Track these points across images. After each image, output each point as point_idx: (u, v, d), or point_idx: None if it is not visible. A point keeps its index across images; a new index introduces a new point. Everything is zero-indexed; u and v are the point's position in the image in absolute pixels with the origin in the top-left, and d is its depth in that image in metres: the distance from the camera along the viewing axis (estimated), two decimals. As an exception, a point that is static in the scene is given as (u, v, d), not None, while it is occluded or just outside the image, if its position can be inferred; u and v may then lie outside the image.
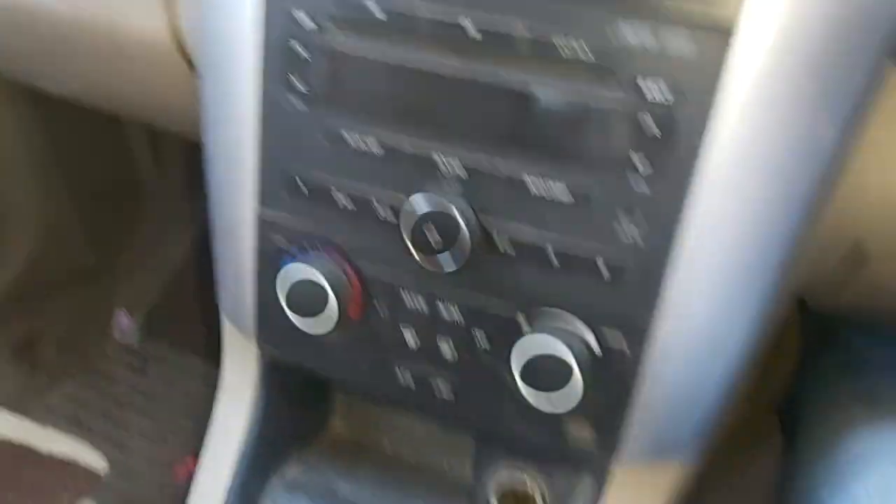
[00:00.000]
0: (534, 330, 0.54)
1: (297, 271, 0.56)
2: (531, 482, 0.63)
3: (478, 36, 0.48)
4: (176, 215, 1.62)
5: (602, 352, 0.52)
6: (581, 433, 0.56)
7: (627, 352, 0.52)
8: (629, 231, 0.49)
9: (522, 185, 0.50)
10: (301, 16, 0.52)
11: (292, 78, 0.53)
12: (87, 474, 0.79)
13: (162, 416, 1.45)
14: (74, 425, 1.41)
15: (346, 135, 0.53)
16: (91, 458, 0.81)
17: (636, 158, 0.47)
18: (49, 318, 1.48)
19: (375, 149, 0.53)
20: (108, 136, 1.46)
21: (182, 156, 1.58)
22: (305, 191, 0.56)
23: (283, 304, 0.57)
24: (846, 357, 0.93)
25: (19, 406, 1.42)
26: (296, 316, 0.57)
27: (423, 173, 0.52)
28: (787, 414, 1.07)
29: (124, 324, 1.56)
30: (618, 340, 0.52)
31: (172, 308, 1.58)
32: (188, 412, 1.44)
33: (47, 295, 1.46)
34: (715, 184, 0.47)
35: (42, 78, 0.82)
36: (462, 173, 0.51)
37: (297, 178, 0.56)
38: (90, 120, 1.35)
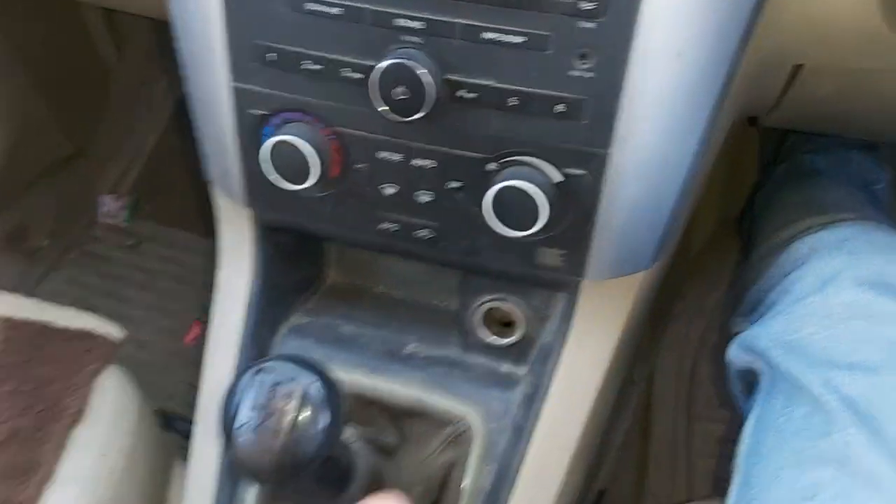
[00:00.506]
0: (500, 168, 0.59)
1: (277, 138, 0.60)
2: (511, 305, 0.70)
3: None
4: (144, 94, 1.62)
5: (564, 181, 0.58)
6: (551, 257, 0.63)
7: (587, 179, 0.57)
8: (579, 68, 0.53)
9: (478, 34, 0.54)
10: None
11: None
12: (107, 343, 0.86)
13: (161, 289, 1.52)
14: (78, 307, 1.48)
15: (306, 1, 0.56)
16: (107, 328, 0.88)
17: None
18: (36, 208, 1.51)
19: (336, 12, 0.56)
20: (65, 23, 1.44)
21: (142, 35, 1.56)
22: (274, 60, 0.59)
23: (268, 170, 0.61)
24: (794, 167, 0.99)
25: (22, 294, 1.48)
26: (281, 179, 0.62)
27: (384, 31, 0.55)
28: (744, 222, 1.15)
29: (110, 206, 1.59)
30: (578, 170, 0.57)
31: (155, 186, 1.62)
32: (185, 283, 1.51)
33: (31, 187, 1.48)
34: (657, 15, 0.50)
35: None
36: (421, 27, 0.55)
37: (265, 48, 0.59)
38: (46, 9, 1.33)
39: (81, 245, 1.57)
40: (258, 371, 0.50)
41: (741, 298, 0.78)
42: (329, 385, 0.51)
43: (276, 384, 0.49)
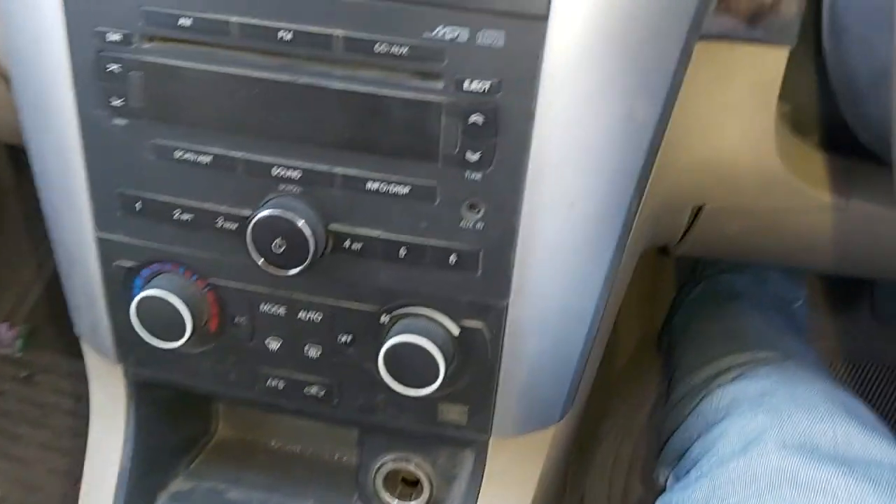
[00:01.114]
0: (393, 322, 0.54)
1: (147, 293, 0.54)
2: (415, 465, 0.64)
3: (288, 36, 0.47)
4: (41, 219, 1.54)
5: (461, 335, 0.53)
6: (453, 413, 0.57)
7: (486, 334, 0.53)
8: (470, 219, 0.50)
9: (361, 185, 0.50)
10: (106, 30, 0.49)
11: (106, 94, 0.51)
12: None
13: (56, 425, 1.40)
14: (-36, 448, 1.36)
15: (172, 149, 0.51)
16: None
17: (466, 149, 0.47)
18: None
19: (206, 160, 0.51)
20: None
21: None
22: (142, 210, 0.54)
23: (138, 327, 0.55)
24: (711, 288, 0.98)
25: None
26: (153, 336, 0.56)
27: (260, 181, 0.51)
28: (663, 342, 1.12)
29: (4, 335, 1.49)
30: (475, 324, 0.53)
31: (53, 313, 1.52)
32: (83, 418, 1.40)
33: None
34: (546, 166, 0.47)
35: None
36: (299, 177, 0.51)
37: (129, 197, 0.54)
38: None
39: (-31, 378, 1.45)
40: None
41: (663, 443, 0.74)
42: None
43: None
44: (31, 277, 1.54)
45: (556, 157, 0.47)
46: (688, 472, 0.62)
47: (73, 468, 1.34)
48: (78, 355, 1.53)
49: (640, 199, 0.51)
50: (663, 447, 0.73)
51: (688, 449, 0.65)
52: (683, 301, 1.04)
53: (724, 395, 0.66)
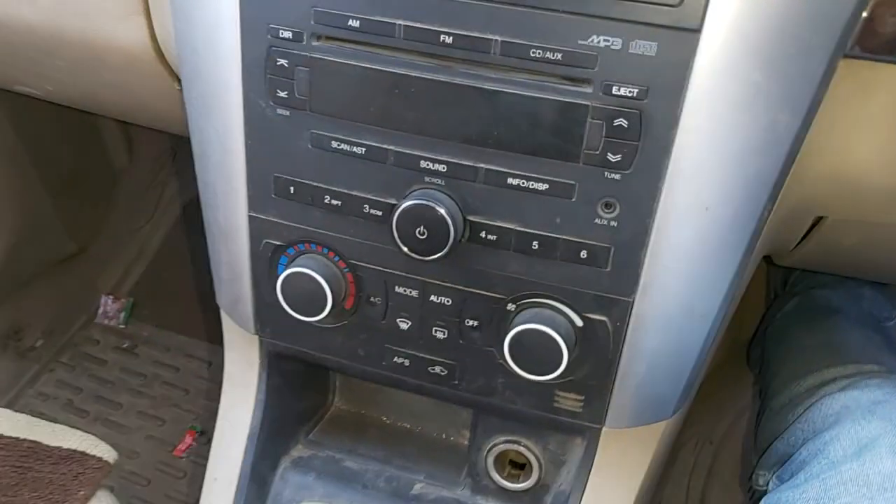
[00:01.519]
0: (519, 310, 0.57)
1: (293, 269, 0.59)
2: (526, 449, 0.68)
3: (449, 40, 0.50)
4: (152, 196, 1.63)
5: (585, 327, 0.56)
6: (569, 402, 0.60)
7: (609, 327, 0.56)
8: (604, 217, 0.53)
9: (502, 180, 0.53)
10: (278, 27, 0.54)
11: (273, 86, 0.55)
12: (99, 466, 0.82)
13: (156, 395, 1.48)
14: (69, 411, 1.44)
15: (329, 139, 0.56)
16: (100, 449, 0.84)
17: (608, 150, 0.50)
18: (34, 307, 1.49)
19: (360, 151, 0.55)
20: (79, 125, 1.46)
21: (153, 140, 1.58)
22: (294, 194, 0.58)
23: (282, 301, 0.60)
24: (807, 302, 0.98)
25: (13, 396, 1.45)
26: (294, 310, 0.60)
27: (407, 173, 0.55)
28: (754, 353, 1.13)
29: (109, 307, 1.58)
30: (600, 317, 0.56)
31: (155, 288, 1.60)
32: (179, 389, 1.48)
33: (30, 285, 1.47)
34: (685, 171, 0.50)
35: (21, 84, 0.82)
36: (445, 171, 0.54)
37: (284, 183, 0.58)
38: (61, 110, 1.35)
39: (76, 346, 1.54)
40: None
41: (763, 448, 0.75)
42: None
43: None
44: (135, 255, 1.63)
45: (696, 162, 0.50)
46: (794, 474, 0.64)
47: (170, 436, 1.42)
48: (177, 330, 1.61)
49: (773, 206, 0.53)
50: (763, 452, 0.75)
51: (794, 453, 0.67)
52: (776, 315, 1.05)
53: (834, 403, 0.67)
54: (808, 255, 0.68)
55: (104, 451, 0.84)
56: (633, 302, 0.55)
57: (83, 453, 0.83)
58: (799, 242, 0.66)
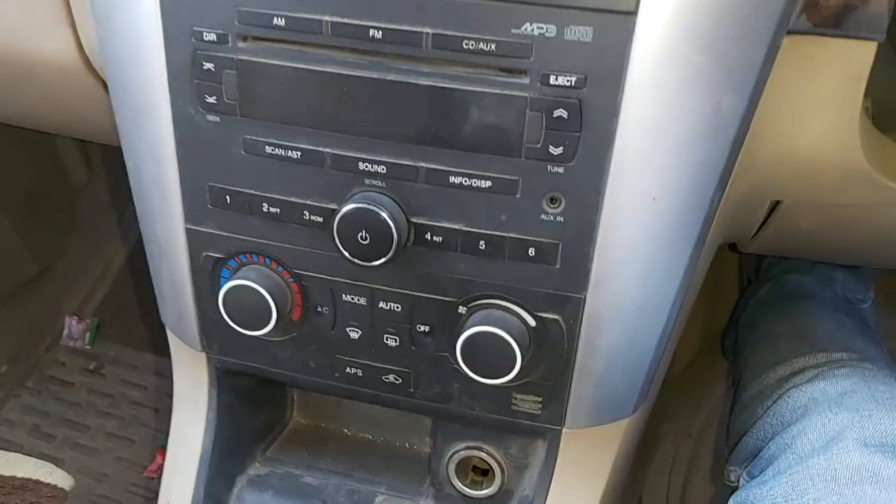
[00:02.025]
0: (470, 312, 0.55)
1: (235, 282, 0.57)
2: (488, 454, 0.66)
3: (379, 35, 0.48)
4: (112, 213, 1.59)
5: (538, 327, 0.54)
6: (527, 404, 0.59)
7: (562, 325, 0.54)
8: (550, 212, 0.51)
9: (444, 178, 0.51)
10: (202, 29, 0.51)
11: (200, 91, 0.53)
12: (54, 493, 0.79)
13: (124, 415, 1.45)
14: (36, 436, 1.41)
15: (263, 144, 0.53)
16: (55, 476, 0.81)
17: (550, 143, 0.48)
18: (-3, 332, 1.46)
19: (295, 155, 0.53)
20: (33, 142, 1.42)
21: (112, 155, 1.55)
22: (230, 203, 0.56)
23: (225, 316, 0.58)
24: (778, 288, 0.97)
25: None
26: (239, 325, 0.58)
27: (346, 176, 0.53)
28: (727, 342, 1.12)
29: (73, 328, 1.54)
30: (552, 316, 0.54)
31: (119, 308, 1.57)
32: (148, 408, 1.45)
33: (-8, 309, 1.44)
34: (630, 161, 0.48)
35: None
36: (385, 172, 0.52)
37: (220, 192, 0.56)
38: (10, 128, 1.32)
39: (41, 370, 1.50)
40: None
41: (735, 443, 0.74)
42: None
43: None
44: (99, 274, 1.59)
45: (640, 151, 0.48)
46: (763, 469, 0.62)
47: (140, 457, 1.39)
48: (144, 348, 1.57)
49: (722, 193, 0.51)
50: (734, 447, 0.73)
51: (762, 448, 0.65)
52: (749, 301, 1.03)
53: (801, 395, 0.66)
54: (769, 241, 0.67)
55: (59, 479, 0.82)
56: (584, 299, 0.53)
57: (37, 482, 0.80)
58: (759, 229, 0.64)
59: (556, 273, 0.53)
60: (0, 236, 1.41)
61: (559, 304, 0.54)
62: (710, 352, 1.25)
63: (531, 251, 0.52)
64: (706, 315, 1.28)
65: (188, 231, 0.58)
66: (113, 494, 1.33)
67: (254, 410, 0.72)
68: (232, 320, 0.58)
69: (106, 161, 1.56)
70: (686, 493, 1.24)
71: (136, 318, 1.53)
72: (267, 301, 0.57)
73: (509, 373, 0.54)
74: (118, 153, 1.63)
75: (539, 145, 0.49)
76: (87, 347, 1.53)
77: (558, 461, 0.62)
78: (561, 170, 0.49)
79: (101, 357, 1.52)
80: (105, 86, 0.65)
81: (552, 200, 0.50)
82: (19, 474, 0.81)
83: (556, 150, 0.49)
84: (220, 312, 0.58)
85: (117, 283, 1.59)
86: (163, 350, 1.52)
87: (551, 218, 0.51)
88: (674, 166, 0.49)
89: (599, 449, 0.62)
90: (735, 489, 0.67)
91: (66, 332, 1.54)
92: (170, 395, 1.46)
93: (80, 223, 1.56)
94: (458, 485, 0.67)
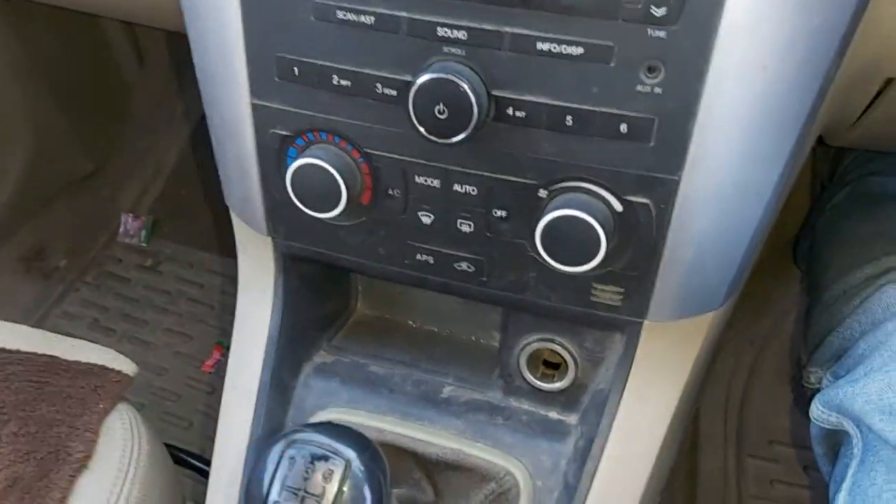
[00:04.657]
0: (552, 196, 0.52)
1: (303, 161, 0.54)
2: (561, 347, 0.63)
3: None
4: (165, 110, 1.58)
5: (625, 211, 0.51)
6: (608, 295, 0.56)
7: (652, 210, 0.51)
8: (647, 83, 0.46)
9: (531, 45, 0.47)
10: None
11: None
12: (119, 380, 0.80)
13: (180, 312, 1.46)
14: (96, 330, 1.44)
15: (334, 9, 0.49)
16: (119, 362, 0.82)
17: (652, 3, 0.44)
18: (54, 227, 1.47)
19: (369, 21, 0.49)
20: (86, 36, 1.40)
21: (163, 50, 1.52)
22: (299, 76, 0.53)
23: (292, 197, 0.55)
24: (859, 191, 0.91)
25: (39, 316, 1.44)
26: (306, 207, 0.56)
27: (423, 43, 0.49)
28: (801, 248, 1.07)
29: (130, 225, 1.55)
30: (642, 199, 0.50)
31: (174, 205, 1.57)
32: (205, 305, 1.46)
33: (50, 205, 1.44)
34: (741, 24, 0.43)
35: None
36: (465, 38, 0.48)
37: (288, 63, 0.53)
38: (66, 21, 1.29)
39: (99, 266, 1.52)
40: (292, 442, 0.43)
41: (815, 344, 0.70)
42: (374, 458, 0.44)
43: (314, 459, 0.42)
44: (153, 171, 1.59)
45: (752, 13, 0.43)
46: (851, 369, 0.59)
47: (198, 352, 1.41)
48: (199, 246, 1.58)
49: (839, 65, 0.46)
50: (815, 349, 0.70)
51: (850, 347, 0.62)
52: (825, 206, 0.98)
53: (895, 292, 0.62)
54: (870, 129, 0.61)
55: (123, 365, 0.82)
56: (679, 180, 0.49)
57: (102, 367, 0.80)
58: (862, 113, 0.59)
59: (650, 152, 0.49)
60: (54, 132, 1.41)
61: (650, 187, 0.50)
62: (775, 260, 1.21)
63: (623, 127, 0.48)
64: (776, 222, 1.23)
65: (254, 107, 0.55)
66: (172, 387, 1.36)
67: (319, 298, 0.70)
68: (300, 202, 0.56)
69: (158, 57, 1.53)
70: (745, 403, 1.22)
71: (190, 217, 1.53)
72: (336, 181, 0.54)
73: (591, 260, 0.51)
74: (170, 48, 1.60)
75: (639, 5, 0.44)
76: (144, 245, 1.54)
77: (637, 356, 0.59)
78: (663, 34, 0.45)
79: (157, 254, 1.53)
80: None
81: (650, 70, 0.46)
82: (83, 359, 0.81)
83: (658, 11, 0.44)
84: (286, 194, 0.55)
85: (171, 182, 1.58)
86: (217, 248, 1.53)
87: (648, 89, 0.46)
88: (789, 31, 0.44)
89: (682, 344, 0.59)
90: (815, 392, 0.64)
91: (122, 229, 1.55)
92: (227, 293, 1.47)
93: (133, 120, 1.55)
94: (529, 377, 0.65)
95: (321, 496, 0.41)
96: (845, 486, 0.54)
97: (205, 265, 1.49)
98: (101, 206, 1.54)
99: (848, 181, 0.99)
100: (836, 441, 0.58)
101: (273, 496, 0.41)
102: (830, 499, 0.55)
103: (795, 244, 1.12)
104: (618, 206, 0.51)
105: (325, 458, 0.42)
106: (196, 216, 1.51)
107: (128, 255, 1.54)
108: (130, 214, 1.55)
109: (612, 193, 0.51)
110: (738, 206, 0.51)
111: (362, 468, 0.43)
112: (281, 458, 0.42)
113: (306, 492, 0.41)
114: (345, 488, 0.42)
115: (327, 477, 0.42)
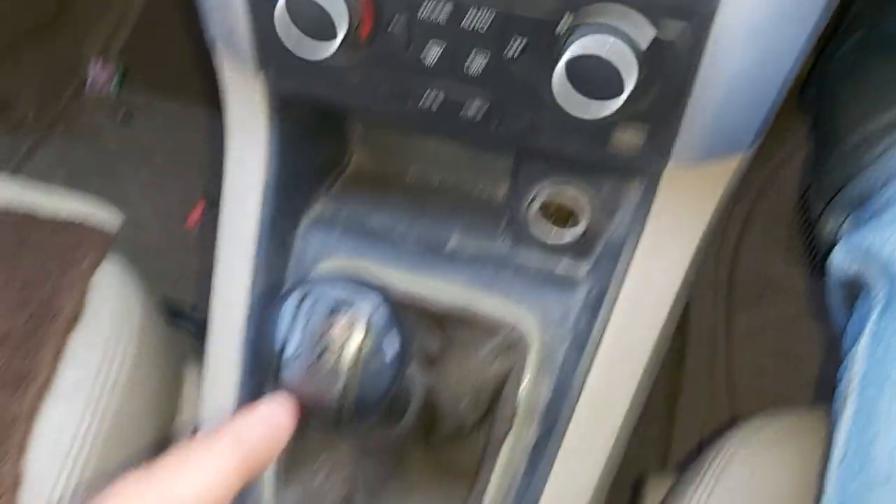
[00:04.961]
0: (572, 29, 0.47)
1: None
2: (574, 194, 0.60)
3: None
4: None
5: (653, 44, 0.46)
6: (630, 135, 0.52)
7: (685, 39, 0.46)
8: None
9: None
10: None
11: None
12: (104, 231, 0.76)
13: (157, 166, 1.40)
14: (71, 184, 1.38)
15: None
16: (103, 213, 0.77)
17: None
18: (20, 76, 1.38)
19: None
20: None
21: None
22: None
23: (282, 27, 0.49)
24: (875, 33, 0.86)
25: (10, 170, 1.38)
26: (300, 37, 0.50)
27: None
28: (808, 93, 1.02)
29: (99, 74, 1.46)
30: (674, 30, 0.46)
31: (146, 49, 1.47)
32: (183, 159, 1.40)
33: (13, 52, 1.34)
34: None
35: None
36: None
37: None
38: None
39: (69, 118, 1.44)
40: (308, 293, 0.40)
41: (831, 193, 0.67)
42: (395, 311, 0.41)
43: (334, 309, 0.39)
44: (120, 13, 1.48)
45: None
46: (877, 214, 0.56)
47: (180, 207, 1.36)
48: (174, 97, 1.49)
49: None
50: (832, 198, 0.67)
51: (875, 193, 0.59)
52: (835, 51, 0.93)
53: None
54: None
55: (108, 216, 0.77)
56: (715, 8, 0.44)
57: (85, 219, 0.76)
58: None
59: None
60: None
61: (683, 16, 0.45)
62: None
63: None
64: None
65: None
66: (154, 244, 1.32)
67: (314, 144, 0.65)
68: (289, 33, 0.50)
69: None
70: (739, 252, 1.22)
71: (163, 64, 1.44)
72: (332, 10, 0.48)
73: (616, 96, 0.46)
74: None
75: None
76: (115, 95, 1.46)
77: (655, 203, 0.56)
78: None
79: (129, 105, 1.45)
80: None
81: None
82: (63, 210, 0.77)
83: None
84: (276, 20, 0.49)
85: (141, 25, 1.48)
86: (196, 97, 1.44)
87: None
88: None
89: (703, 190, 0.56)
90: (832, 243, 0.61)
91: (90, 78, 1.46)
92: (206, 147, 1.40)
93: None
94: (541, 227, 0.62)
95: (341, 350, 0.39)
96: (865, 335, 0.52)
97: (182, 116, 1.42)
98: (67, 52, 1.44)
99: (860, 25, 0.93)
100: (853, 292, 0.57)
101: (289, 352, 0.39)
102: (846, 346, 0.54)
103: (801, 89, 1.07)
104: (647, 37, 0.46)
105: (344, 312, 0.40)
106: (171, 62, 1.42)
107: (98, 106, 1.46)
108: (100, 60, 1.45)
109: (641, 23, 0.46)
110: (777, 39, 0.46)
111: (385, 318, 0.40)
112: (297, 312, 0.39)
113: (326, 347, 0.39)
114: (367, 341, 0.39)
115: (347, 330, 0.39)
